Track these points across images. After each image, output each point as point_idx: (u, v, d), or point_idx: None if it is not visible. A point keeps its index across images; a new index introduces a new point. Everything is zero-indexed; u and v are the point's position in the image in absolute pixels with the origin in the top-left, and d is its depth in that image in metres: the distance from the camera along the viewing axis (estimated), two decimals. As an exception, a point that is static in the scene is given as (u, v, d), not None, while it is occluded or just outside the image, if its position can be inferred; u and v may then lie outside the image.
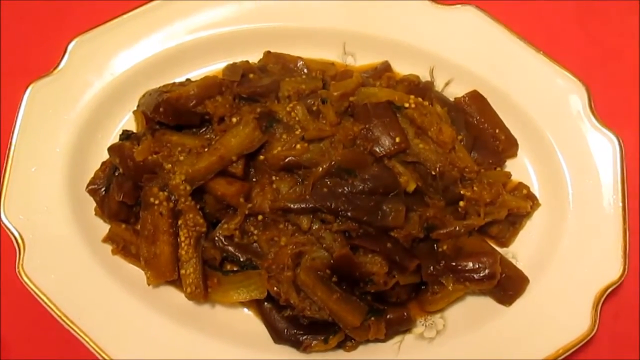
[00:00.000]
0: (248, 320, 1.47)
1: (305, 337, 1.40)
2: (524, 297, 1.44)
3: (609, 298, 1.41)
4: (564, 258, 1.45)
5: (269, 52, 1.62)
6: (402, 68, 1.63)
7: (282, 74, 1.55)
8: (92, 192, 1.52)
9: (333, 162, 1.37)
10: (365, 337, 1.39)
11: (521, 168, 1.57)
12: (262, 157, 1.42)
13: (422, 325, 1.46)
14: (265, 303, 1.43)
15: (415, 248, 1.41)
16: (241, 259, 1.42)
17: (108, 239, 1.51)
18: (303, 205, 1.36)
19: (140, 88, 1.58)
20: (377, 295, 1.40)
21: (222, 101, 1.47)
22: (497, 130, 1.56)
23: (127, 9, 1.60)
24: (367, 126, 1.41)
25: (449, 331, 1.45)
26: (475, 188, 1.44)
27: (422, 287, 1.46)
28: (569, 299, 1.41)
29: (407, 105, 1.45)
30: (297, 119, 1.43)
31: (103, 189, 1.51)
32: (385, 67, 1.63)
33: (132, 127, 1.59)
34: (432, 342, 1.44)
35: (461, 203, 1.44)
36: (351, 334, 1.39)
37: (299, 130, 1.42)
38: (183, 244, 1.41)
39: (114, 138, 1.58)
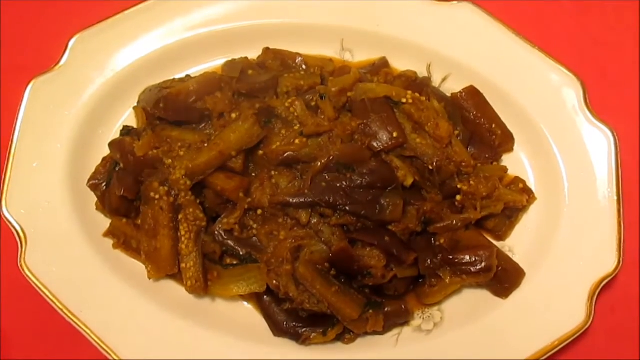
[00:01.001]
0: (248, 313, 1.48)
1: (304, 329, 1.41)
2: (520, 289, 1.45)
3: (605, 291, 1.43)
4: (560, 251, 1.46)
5: (267, 48, 1.63)
6: (399, 64, 1.65)
7: (280, 70, 1.56)
8: (93, 187, 1.53)
9: (331, 157, 1.39)
10: (364, 329, 1.41)
11: (517, 162, 1.58)
12: (261, 152, 1.43)
13: (420, 317, 1.48)
14: (265, 296, 1.44)
15: (413, 241, 1.43)
16: (241, 253, 1.44)
17: (109, 233, 1.52)
18: (302, 200, 1.38)
19: (140, 84, 1.59)
20: (375, 288, 1.42)
21: (221, 97, 1.49)
22: (493, 125, 1.57)
23: (128, 6, 1.61)
24: (365, 121, 1.42)
25: (446, 323, 1.46)
26: (471, 182, 1.46)
27: (420, 280, 1.48)
28: (565, 292, 1.42)
29: (404, 100, 1.46)
30: (295, 114, 1.45)
31: (104, 184, 1.52)
32: (383, 63, 1.64)
33: (133, 122, 1.61)
34: (430, 335, 1.45)
35: (458, 197, 1.46)
36: (350, 327, 1.41)
37: (298, 125, 1.43)
38: (183, 238, 1.43)
39: (114, 134, 1.60)
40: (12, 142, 1.52)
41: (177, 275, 1.46)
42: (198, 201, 1.43)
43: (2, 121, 1.65)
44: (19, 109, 1.54)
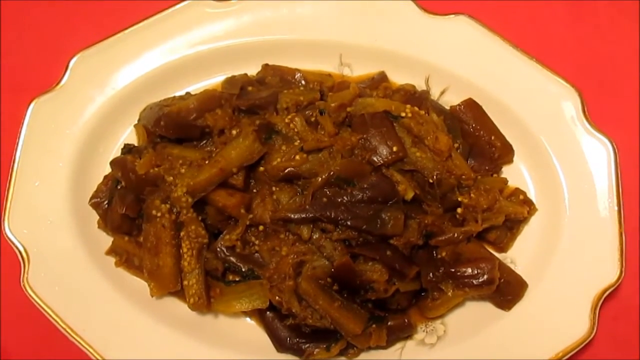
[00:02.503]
0: (251, 329, 1.48)
1: (307, 345, 1.41)
2: (523, 301, 1.45)
3: (607, 301, 1.43)
4: (562, 262, 1.46)
5: (267, 64, 1.64)
6: (398, 78, 1.65)
7: (280, 86, 1.57)
8: (95, 206, 1.54)
9: (332, 172, 1.39)
10: (367, 344, 1.41)
11: (517, 174, 1.59)
12: (262, 168, 1.44)
13: (423, 331, 1.48)
14: (268, 312, 1.44)
15: (415, 255, 1.43)
16: (243, 269, 1.44)
17: (111, 251, 1.53)
18: (303, 215, 1.38)
19: (140, 102, 1.60)
20: (377, 302, 1.42)
21: (221, 114, 1.49)
22: (492, 137, 1.58)
23: (127, 25, 1.62)
24: (364, 136, 1.42)
25: (449, 337, 1.46)
26: (472, 195, 1.46)
27: (422, 294, 1.48)
28: (568, 303, 1.42)
29: (403, 114, 1.47)
30: (295, 130, 1.45)
31: (106, 202, 1.53)
32: (382, 78, 1.64)
33: (134, 140, 1.61)
34: (433, 348, 1.45)
35: (459, 210, 1.46)
36: (353, 342, 1.40)
37: (298, 141, 1.44)
38: (185, 255, 1.43)
39: (115, 152, 1.60)
40: (14, 161, 1.53)
41: (179, 293, 1.46)
42: (200, 218, 1.43)
43: (4, 141, 1.66)
44: (21, 129, 1.55)
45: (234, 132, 1.46)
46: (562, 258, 1.47)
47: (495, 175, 1.58)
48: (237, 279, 1.45)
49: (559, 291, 1.44)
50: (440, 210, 1.44)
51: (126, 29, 1.62)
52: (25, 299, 1.43)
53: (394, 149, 1.41)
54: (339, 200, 1.37)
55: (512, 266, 1.50)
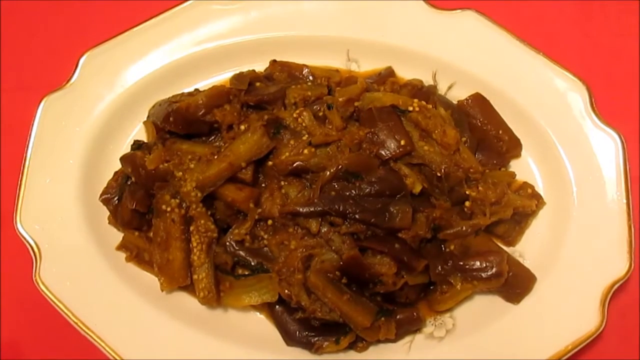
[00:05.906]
0: (260, 323, 1.49)
1: (316, 338, 1.41)
2: (531, 295, 1.45)
3: (617, 294, 1.42)
4: (570, 255, 1.46)
5: (274, 60, 1.65)
6: (405, 73, 1.66)
7: (288, 82, 1.58)
8: (106, 201, 1.55)
9: (340, 166, 1.39)
10: (376, 337, 1.41)
11: (525, 168, 1.59)
12: (270, 162, 1.45)
13: (432, 324, 1.48)
14: (277, 306, 1.44)
15: (423, 248, 1.43)
16: (252, 263, 1.45)
17: (122, 246, 1.54)
18: (312, 209, 1.38)
19: (150, 99, 1.62)
20: (386, 295, 1.42)
21: (230, 109, 1.50)
22: (500, 131, 1.58)
23: (135, 23, 1.64)
24: (372, 130, 1.43)
25: (458, 330, 1.46)
26: (480, 188, 1.46)
27: (431, 287, 1.48)
28: (577, 296, 1.42)
29: (411, 108, 1.47)
30: (303, 124, 1.46)
31: (116, 198, 1.54)
32: (389, 73, 1.65)
33: (143, 137, 1.63)
34: (442, 341, 1.45)
35: (467, 203, 1.45)
36: (362, 335, 1.41)
37: (306, 135, 1.45)
38: (195, 250, 1.44)
39: (125, 148, 1.61)
40: (25, 159, 1.55)
41: (189, 287, 1.47)
42: (209, 213, 1.44)
43: (16, 138, 1.68)
44: (32, 127, 1.57)
45: (242, 127, 1.47)
46: (571, 251, 1.46)
47: (503, 169, 1.57)
48: (246, 273, 1.46)
49: (568, 284, 1.43)
50: (448, 204, 1.44)
51: (135, 27, 1.64)
52: (37, 294, 1.44)
53: (402, 142, 1.41)
54: (347, 193, 1.38)
55: (520, 260, 1.50)
